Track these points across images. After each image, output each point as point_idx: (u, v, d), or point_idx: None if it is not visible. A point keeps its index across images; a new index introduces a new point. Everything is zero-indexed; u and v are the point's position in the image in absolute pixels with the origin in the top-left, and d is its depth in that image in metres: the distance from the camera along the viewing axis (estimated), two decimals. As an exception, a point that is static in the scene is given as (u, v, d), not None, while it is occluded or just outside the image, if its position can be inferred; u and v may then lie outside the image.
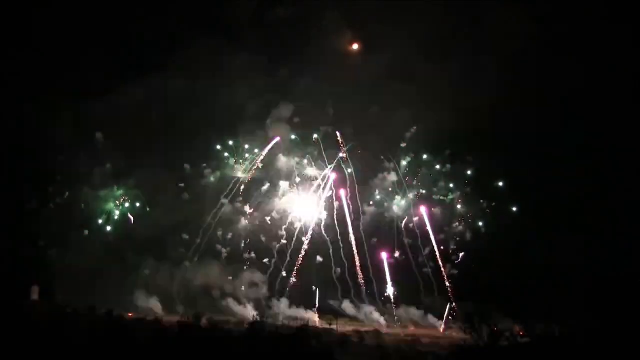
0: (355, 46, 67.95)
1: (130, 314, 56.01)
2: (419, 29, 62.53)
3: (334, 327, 55.74)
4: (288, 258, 63.63)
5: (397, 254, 63.81)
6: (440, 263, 63.00)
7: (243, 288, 62.69)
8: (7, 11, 60.95)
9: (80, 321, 42.82)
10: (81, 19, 65.46)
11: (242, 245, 65.11)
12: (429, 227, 64.40)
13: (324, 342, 46.11)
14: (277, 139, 67.33)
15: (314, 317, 60.45)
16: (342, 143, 67.52)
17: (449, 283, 62.06)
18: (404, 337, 52.38)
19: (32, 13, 63.21)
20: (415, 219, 65.08)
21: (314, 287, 62.52)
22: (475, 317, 53.97)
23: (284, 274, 63.22)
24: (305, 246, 63.81)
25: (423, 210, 65.15)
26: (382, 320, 60.99)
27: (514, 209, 62.97)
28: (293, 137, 67.92)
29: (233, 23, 68.25)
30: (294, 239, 64.27)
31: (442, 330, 58.30)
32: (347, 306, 61.95)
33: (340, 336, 49.53)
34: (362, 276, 62.47)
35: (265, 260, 64.04)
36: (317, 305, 62.06)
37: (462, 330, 54.12)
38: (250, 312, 60.54)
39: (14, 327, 38.27)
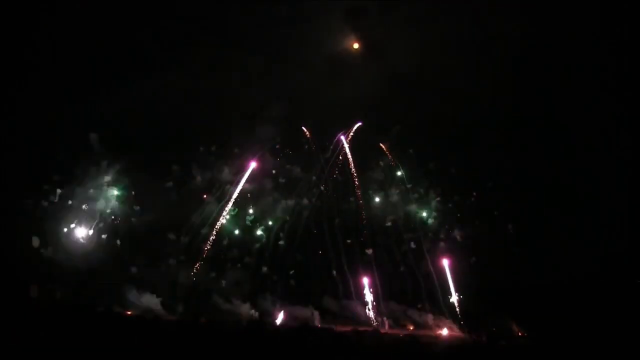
0: (356, 45, 68.02)
1: (129, 312, 55.99)
2: (418, 32, 62.84)
3: (332, 326, 55.79)
4: (269, 256, 64.10)
5: (372, 251, 63.86)
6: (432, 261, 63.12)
7: (224, 284, 62.91)
8: (8, 9, 60.55)
9: (79, 318, 42.73)
10: (79, 18, 65.03)
11: (225, 243, 65.42)
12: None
13: (322, 341, 46.22)
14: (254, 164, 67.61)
15: (312, 316, 60.52)
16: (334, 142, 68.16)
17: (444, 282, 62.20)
18: (402, 337, 52.37)
19: (32, 11, 62.85)
20: (391, 216, 65.49)
21: (292, 282, 62.90)
22: (473, 317, 54.78)
23: (266, 271, 63.52)
24: (283, 243, 64.38)
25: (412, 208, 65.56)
26: (368, 315, 61.34)
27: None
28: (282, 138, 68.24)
29: (231, 23, 68.02)
30: (273, 237, 64.90)
31: (441, 331, 58.20)
32: (332, 303, 62.24)
33: (339, 335, 49.54)
34: (342, 273, 62.81)
35: (248, 259, 64.34)
36: (313, 304, 62.19)
37: (461, 330, 54.95)
38: (246, 311, 60.88)
39: (14, 325, 38.21)
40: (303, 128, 68.44)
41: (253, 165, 67.31)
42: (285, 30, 65.90)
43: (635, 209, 53.31)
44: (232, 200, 65.97)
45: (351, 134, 68.73)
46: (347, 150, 68.27)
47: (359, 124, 68.11)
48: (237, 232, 66.09)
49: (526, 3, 60.77)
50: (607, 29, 57.27)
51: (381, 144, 68.38)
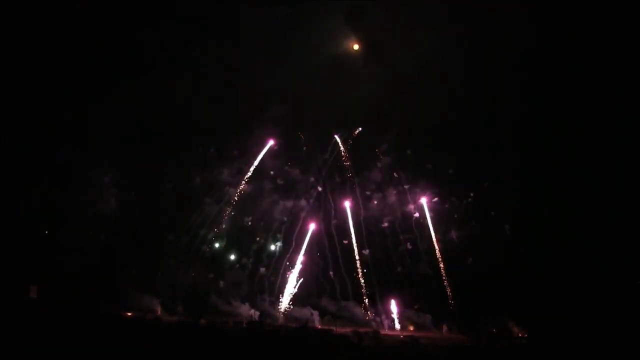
0: (356, 47, 68.15)
1: (129, 313, 55.88)
2: (418, 34, 63.05)
3: (332, 327, 55.79)
4: (265, 259, 64.43)
5: (367, 251, 64.13)
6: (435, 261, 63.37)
7: (222, 284, 62.92)
8: (9, 10, 60.48)
9: (79, 319, 42.59)
10: (79, 19, 64.90)
11: (224, 244, 65.44)
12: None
13: (322, 342, 46.19)
14: (271, 142, 67.50)
15: (313, 317, 60.53)
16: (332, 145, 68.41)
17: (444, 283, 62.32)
18: (402, 338, 52.41)
19: (33, 13, 62.77)
20: (388, 217, 65.73)
21: (287, 282, 63.13)
22: (474, 318, 54.80)
23: (263, 272, 63.54)
24: (280, 244, 64.82)
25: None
26: (362, 314, 61.40)
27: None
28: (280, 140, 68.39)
29: (231, 23, 67.99)
30: (270, 238, 65.38)
31: (444, 332, 58.23)
32: (328, 303, 62.30)
33: (339, 336, 49.53)
34: (337, 273, 63.21)
35: (245, 260, 64.51)
36: (313, 305, 62.26)
37: (460, 331, 54.93)
38: (247, 312, 60.86)
39: (13, 325, 38.09)
40: (301, 136, 68.63)
41: (271, 143, 67.75)
42: (285, 31, 66.05)
43: (635, 210, 53.54)
44: (238, 194, 66.34)
45: (350, 136, 68.99)
46: (346, 151, 68.51)
47: (359, 129, 68.35)
48: (236, 233, 66.27)
49: (526, 7, 61.03)
50: (608, 31, 57.55)
51: (377, 150, 68.59)
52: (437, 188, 65.65)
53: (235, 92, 67.28)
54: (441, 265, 62.87)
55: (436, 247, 63.59)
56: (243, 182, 67.11)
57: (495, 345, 45.58)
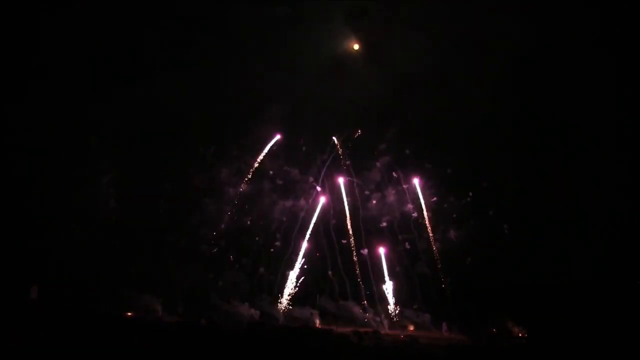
0: (356, 46, 68.17)
1: (129, 313, 55.88)
2: (418, 34, 63.12)
3: (332, 327, 55.83)
4: (264, 257, 64.34)
5: (366, 251, 64.01)
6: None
7: (221, 284, 62.91)
8: (9, 10, 60.50)
9: (79, 319, 42.64)
10: (79, 19, 64.86)
11: (224, 244, 65.50)
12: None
13: (322, 342, 46.30)
14: (278, 136, 67.63)
15: (313, 317, 60.53)
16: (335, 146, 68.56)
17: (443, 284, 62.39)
18: (402, 338, 52.44)
19: (33, 12, 62.77)
20: (386, 217, 65.79)
21: (287, 282, 63.04)
22: (473, 318, 54.86)
23: (263, 272, 63.58)
24: (279, 244, 64.56)
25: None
26: (362, 314, 61.48)
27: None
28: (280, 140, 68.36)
29: (231, 24, 67.98)
30: (271, 239, 65.12)
31: (444, 332, 58.22)
32: (327, 303, 62.34)
33: (339, 336, 49.59)
34: (336, 273, 63.13)
35: (245, 260, 64.48)
36: (313, 305, 62.29)
37: (460, 331, 55.03)
38: (247, 312, 60.87)
39: (13, 325, 38.14)
40: (301, 140, 68.67)
41: (277, 137, 67.65)
42: (286, 31, 66.04)
43: (635, 210, 53.55)
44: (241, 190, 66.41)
45: (350, 137, 69.08)
46: (344, 152, 68.62)
47: (359, 132, 68.44)
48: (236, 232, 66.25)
49: (526, 6, 61.03)
50: (608, 31, 57.61)
51: (376, 152, 68.66)
52: (436, 188, 65.69)
53: (235, 92, 67.21)
54: (439, 265, 62.86)
55: (433, 247, 63.66)
56: (243, 181, 67.10)
57: (495, 345, 45.72)
